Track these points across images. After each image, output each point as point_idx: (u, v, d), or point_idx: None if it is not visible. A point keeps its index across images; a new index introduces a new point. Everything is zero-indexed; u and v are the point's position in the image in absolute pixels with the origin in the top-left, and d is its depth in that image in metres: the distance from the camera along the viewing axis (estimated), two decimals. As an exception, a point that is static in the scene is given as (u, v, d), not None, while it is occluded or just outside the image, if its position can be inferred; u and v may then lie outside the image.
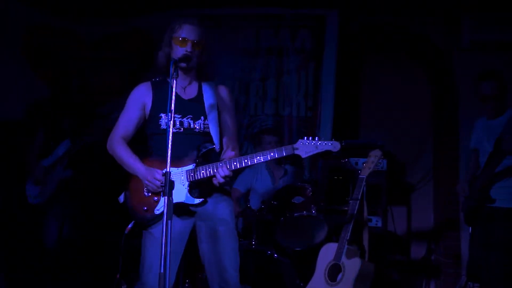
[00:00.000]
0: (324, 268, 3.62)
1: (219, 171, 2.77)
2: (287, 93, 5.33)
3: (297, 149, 2.73)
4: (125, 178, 2.99)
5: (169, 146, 2.55)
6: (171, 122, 2.56)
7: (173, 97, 2.58)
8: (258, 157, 2.77)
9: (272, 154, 2.75)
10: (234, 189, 4.63)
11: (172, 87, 2.59)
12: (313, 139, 2.73)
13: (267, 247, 4.03)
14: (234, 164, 2.79)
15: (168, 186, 2.52)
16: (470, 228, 4.03)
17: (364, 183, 3.74)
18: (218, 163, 2.82)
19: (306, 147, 2.72)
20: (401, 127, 5.38)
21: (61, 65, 5.42)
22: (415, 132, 5.44)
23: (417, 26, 5.42)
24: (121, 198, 3.00)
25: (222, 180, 2.79)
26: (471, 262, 4.02)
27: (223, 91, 3.11)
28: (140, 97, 3.02)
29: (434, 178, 5.39)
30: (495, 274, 3.76)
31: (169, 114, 2.55)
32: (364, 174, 3.76)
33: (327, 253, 3.66)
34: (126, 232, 2.99)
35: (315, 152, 2.73)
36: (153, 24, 5.43)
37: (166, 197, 2.51)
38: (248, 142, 5.30)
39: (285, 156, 2.77)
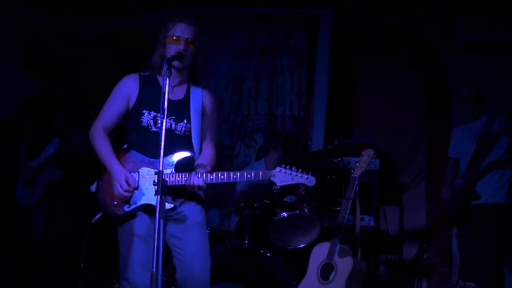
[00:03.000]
0: (316, 267, 3.63)
1: (194, 180, 2.79)
2: (280, 92, 5.34)
3: (274, 175, 2.81)
4: (101, 168, 2.94)
5: (162, 147, 2.55)
6: (164, 122, 2.55)
7: (166, 97, 2.57)
8: (234, 176, 2.84)
9: (248, 175, 2.83)
10: (237, 191, 4.62)
11: (164, 87, 2.57)
12: (290, 169, 2.82)
13: (260, 246, 4.04)
14: (210, 178, 2.82)
15: (161, 185, 2.53)
16: (456, 228, 4.18)
17: (356, 182, 3.75)
18: (194, 172, 2.82)
19: (283, 176, 2.81)
20: (394, 126, 5.38)
21: (55, 64, 5.40)
22: (408, 131, 5.45)
23: (411, 26, 5.44)
24: (93, 188, 2.96)
25: (193, 190, 2.82)
26: (462, 262, 4.08)
27: (208, 96, 3.08)
28: (127, 89, 2.97)
29: (426, 177, 5.40)
30: (487, 269, 3.83)
31: (160, 115, 2.56)
32: (356, 173, 3.76)
33: (319, 252, 3.66)
34: (92, 222, 2.96)
35: (289, 183, 2.82)
36: (147, 23, 5.43)
37: (158, 196, 2.51)
38: (241, 142, 5.30)
39: (260, 180, 2.84)
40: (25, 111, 5.06)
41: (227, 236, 4.27)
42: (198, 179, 2.79)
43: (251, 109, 5.37)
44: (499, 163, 3.97)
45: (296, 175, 2.80)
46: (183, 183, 2.82)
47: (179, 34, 2.89)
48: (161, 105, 2.57)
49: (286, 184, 2.81)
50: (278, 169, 2.80)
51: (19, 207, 4.42)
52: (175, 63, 2.86)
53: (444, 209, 4.38)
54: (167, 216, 2.90)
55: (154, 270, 2.45)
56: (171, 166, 2.85)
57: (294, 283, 3.88)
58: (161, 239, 2.48)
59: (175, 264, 2.97)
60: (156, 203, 2.51)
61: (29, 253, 4.43)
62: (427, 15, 5.30)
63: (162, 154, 2.55)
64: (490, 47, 5.15)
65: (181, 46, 2.88)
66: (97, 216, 2.96)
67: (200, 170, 2.87)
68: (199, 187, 2.80)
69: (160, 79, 2.97)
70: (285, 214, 4.04)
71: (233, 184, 4.74)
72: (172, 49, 2.88)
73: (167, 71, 2.63)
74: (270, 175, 2.80)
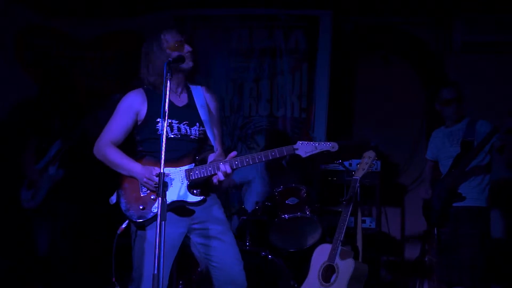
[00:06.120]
0: (318, 269, 3.62)
1: (221, 168, 2.80)
2: (281, 94, 5.33)
3: (297, 149, 2.81)
4: (117, 178, 2.93)
5: (163, 149, 2.55)
6: (165, 123, 2.57)
7: (167, 99, 2.59)
8: (259, 157, 2.83)
9: (273, 153, 2.81)
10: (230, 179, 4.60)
11: (166, 88, 2.60)
12: (311, 141, 2.81)
13: (261, 248, 4.03)
14: (235, 163, 2.82)
15: (162, 187, 2.53)
16: (436, 230, 4.08)
17: (357, 184, 3.74)
18: (219, 162, 2.84)
19: (306, 147, 2.80)
20: (395, 128, 5.39)
21: (53, 65, 5.39)
22: (408, 133, 5.45)
23: (410, 27, 5.45)
24: (113, 199, 2.94)
25: (222, 178, 2.82)
26: (439, 265, 4.03)
27: (209, 94, 3.13)
28: (133, 104, 2.97)
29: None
30: (468, 272, 3.80)
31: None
32: (358, 175, 3.75)
33: (321, 254, 3.66)
34: (118, 232, 2.92)
35: (314, 152, 2.80)
36: (145, 25, 5.42)
37: (160, 198, 2.52)
38: (242, 143, 5.29)
39: (285, 155, 2.84)
40: (23, 112, 5.05)
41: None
42: (224, 165, 2.80)
43: (252, 111, 5.36)
44: (484, 168, 3.95)
45: (318, 144, 2.80)
46: (208, 174, 2.84)
47: (180, 38, 2.96)
48: (162, 108, 2.58)
49: (311, 154, 2.79)
50: (299, 142, 2.81)
51: (23, 210, 4.41)
52: (184, 65, 2.92)
53: (421, 211, 4.30)
54: (192, 213, 2.90)
55: (155, 272, 2.45)
56: (193, 161, 2.89)
57: (296, 285, 3.88)
58: (163, 240, 2.48)
59: (208, 266, 2.98)
60: (158, 205, 2.51)
61: (35, 261, 4.42)
62: (426, 16, 5.32)
63: (163, 155, 2.55)
64: (488, 48, 5.17)
65: (189, 48, 2.94)
66: (124, 225, 2.90)
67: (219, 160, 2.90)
68: (226, 174, 2.81)
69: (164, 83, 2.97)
70: (286, 216, 4.04)
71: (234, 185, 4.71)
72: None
73: (168, 74, 2.65)
74: (294, 149, 2.80)
